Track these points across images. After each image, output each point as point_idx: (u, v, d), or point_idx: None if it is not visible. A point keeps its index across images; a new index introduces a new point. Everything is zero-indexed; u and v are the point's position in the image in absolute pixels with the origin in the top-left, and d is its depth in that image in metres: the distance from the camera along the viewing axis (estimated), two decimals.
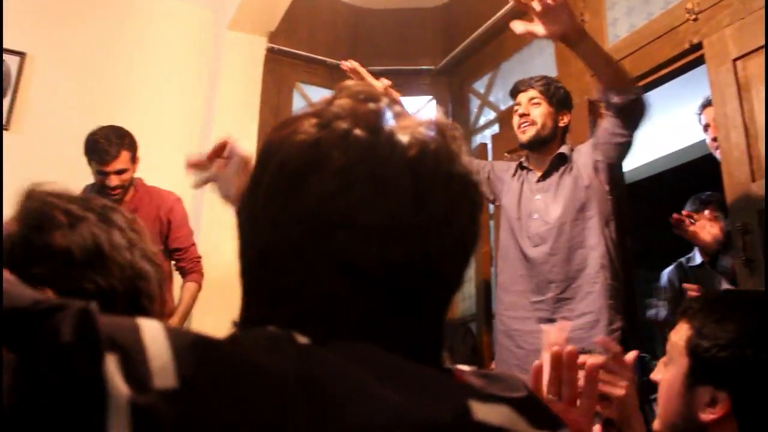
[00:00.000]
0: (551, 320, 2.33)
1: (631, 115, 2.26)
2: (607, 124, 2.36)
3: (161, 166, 3.09)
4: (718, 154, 2.73)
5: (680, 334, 1.08)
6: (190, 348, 0.43)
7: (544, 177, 2.55)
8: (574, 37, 2.12)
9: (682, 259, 3.17)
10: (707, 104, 2.84)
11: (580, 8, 3.28)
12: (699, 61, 2.69)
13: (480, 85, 4.15)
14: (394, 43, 4.41)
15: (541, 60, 3.30)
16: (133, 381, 0.39)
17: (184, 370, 0.41)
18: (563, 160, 2.54)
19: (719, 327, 1.03)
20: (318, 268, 0.53)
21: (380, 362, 0.50)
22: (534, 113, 2.55)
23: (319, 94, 4.12)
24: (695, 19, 2.69)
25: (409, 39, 4.43)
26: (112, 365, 0.39)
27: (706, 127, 2.86)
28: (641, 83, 2.83)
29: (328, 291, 0.53)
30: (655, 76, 2.87)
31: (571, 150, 2.57)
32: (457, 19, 4.34)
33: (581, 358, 1.03)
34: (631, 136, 2.33)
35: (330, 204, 0.53)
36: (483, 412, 0.47)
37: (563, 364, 1.01)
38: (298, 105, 4.11)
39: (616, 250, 2.41)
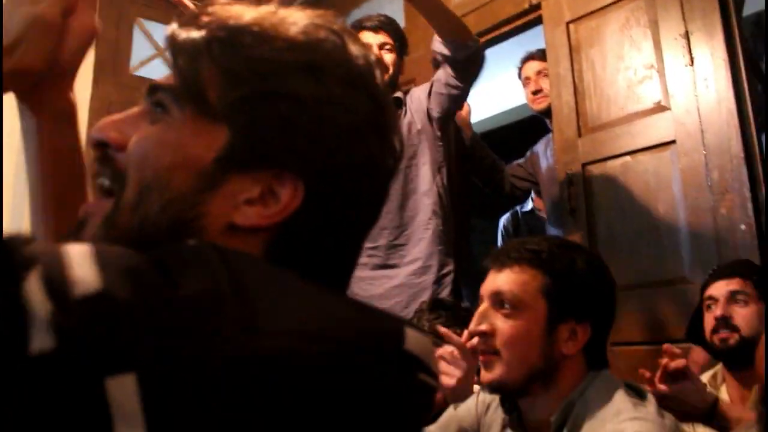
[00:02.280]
0: (385, 266, 2.38)
1: (468, 68, 2.29)
2: (443, 75, 2.37)
3: None
4: (535, 107, 2.90)
5: (527, 282, 1.16)
6: (115, 257, 0.42)
7: None
8: None
9: (518, 207, 3.39)
10: (527, 59, 2.98)
11: None
12: (537, 21, 2.83)
13: None
14: None
15: (390, 9, 3.31)
16: (54, 292, 0.38)
17: (107, 276, 0.40)
18: (398, 105, 2.52)
19: (573, 269, 1.17)
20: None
21: (308, 281, 0.49)
22: (387, 59, 2.49)
23: (161, 30, 3.89)
24: None
25: None
26: (33, 281, 0.38)
27: (526, 81, 2.99)
28: (483, 39, 2.94)
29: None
30: (497, 32, 2.98)
31: (405, 93, 2.56)
32: None
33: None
34: (465, 88, 2.37)
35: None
36: (412, 340, 0.48)
37: None
38: (138, 41, 3.87)
39: (447, 196, 2.47)
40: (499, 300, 1.18)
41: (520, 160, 3.10)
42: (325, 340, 0.43)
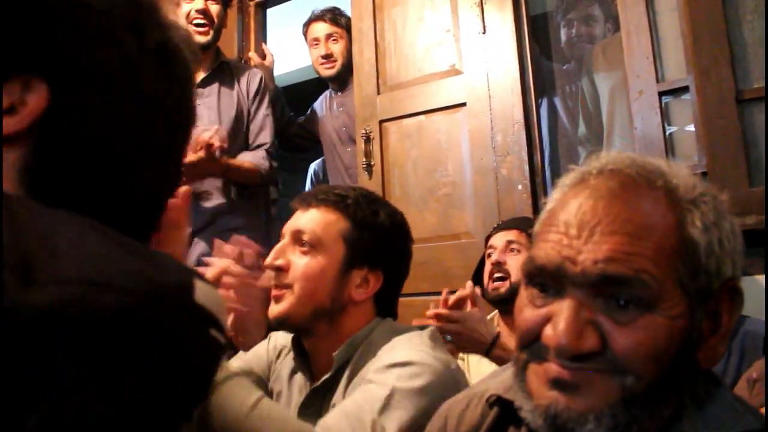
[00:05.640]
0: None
1: None
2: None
3: None
4: (323, 72, 2.83)
5: (330, 224, 1.19)
6: None
7: (204, 83, 2.50)
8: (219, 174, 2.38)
9: None
10: (315, 19, 2.86)
11: None
12: None
13: None
14: None
15: None
16: None
17: None
18: (224, 70, 2.55)
19: (375, 219, 1.21)
20: None
21: (100, 225, 0.45)
22: (212, 11, 2.49)
23: None
24: None
25: None
26: None
27: (314, 42, 2.84)
28: None
29: None
30: None
31: (227, 60, 2.61)
32: None
33: None
34: None
35: None
36: (200, 290, 0.46)
37: None
38: None
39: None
40: (299, 238, 1.20)
41: (302, 118, 3.06)
42: (111, 288, 0.40)
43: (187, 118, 0.59)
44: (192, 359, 0.45)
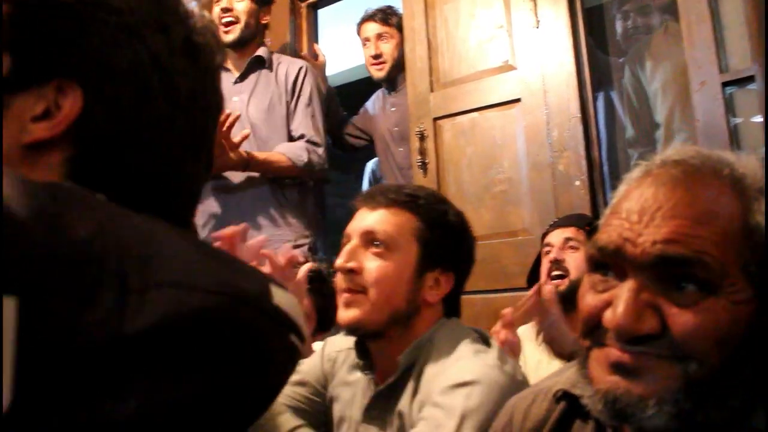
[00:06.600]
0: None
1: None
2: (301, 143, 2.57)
3: None
4: (374, 74, 2.83)
5: (402, 224, 1.15)
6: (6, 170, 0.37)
7: (242, 78, 2.57)
8: (240, 168, 2.33)
9: None
10: (367, 19, 2.87)
11: None
12: None
13: None
14: None
15: None
16: None
17: (7, 186, 0.35)
18: (261, 63, 2.59)
19: (446, 219, 1.18)
20: None
21: (179, 232, 0.46)
22: (238, 9, 2.52)
23: None
24: None
25: None
26: None
27: (366, 42, 2.86)
28: None
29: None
30: None
31: (270, 53, 2.64)
32: None
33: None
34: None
35: None
36: (278, 296, 0.47)
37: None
38: None
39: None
40: (370, 239, 1.15)
41: (355, 117, 3.06)
42: (199, 289, 0.41)
43: (215, 106, 0.60)
44: (271, 361, 0.46)
